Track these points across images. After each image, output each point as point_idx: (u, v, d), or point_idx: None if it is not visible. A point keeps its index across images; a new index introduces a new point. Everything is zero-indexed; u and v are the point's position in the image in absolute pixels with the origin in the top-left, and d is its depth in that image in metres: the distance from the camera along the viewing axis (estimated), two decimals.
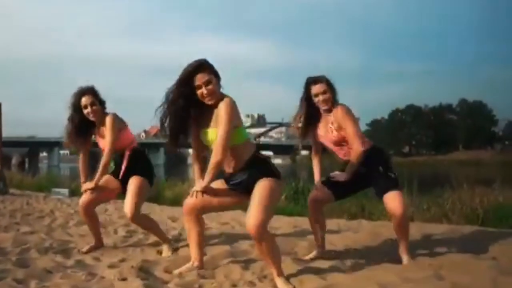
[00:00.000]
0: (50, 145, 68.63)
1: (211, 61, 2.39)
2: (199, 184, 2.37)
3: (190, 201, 2.44)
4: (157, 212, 5.82)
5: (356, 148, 2.76)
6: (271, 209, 2.30)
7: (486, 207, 6.27)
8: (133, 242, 3.57)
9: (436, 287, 2.21)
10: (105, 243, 3.47)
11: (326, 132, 2.89)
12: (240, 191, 2.44)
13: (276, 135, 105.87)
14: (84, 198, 3.20)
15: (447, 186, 7.40)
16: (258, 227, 2.18)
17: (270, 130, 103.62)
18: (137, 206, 3.06)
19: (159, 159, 69.27)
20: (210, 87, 2.32)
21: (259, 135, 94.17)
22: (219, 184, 2.49)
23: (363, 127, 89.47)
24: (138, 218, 3.12)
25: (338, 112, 2.82)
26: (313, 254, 3.01)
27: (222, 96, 2.35)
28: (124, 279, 2.39)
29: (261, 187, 2.31)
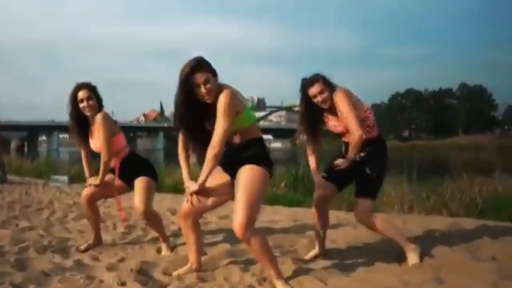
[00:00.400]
0: (49, 129, 68.49)
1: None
2: (192, 186, 2.34)
3: (185, 206, 2.40)
4: (156, 202, 5.77)
5: (353, 135, 2.68)
6: (257, 204, 2.28)
7: (485, 196, 6.28)
8: (132, 239, 3.56)
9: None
10: (104, 239, 3.45)
11: (338, 121, 2.83)
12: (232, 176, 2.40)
13: (276, 119, 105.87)
14: (87, 191, 3.19)
15: (447, 174, 7.39)
16: (242, 228, 2.18)
17: (270, 114, 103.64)
18: (147, 201, 3.09)
19: (158, 143, 69.26)
20: (208, 86, 2.28)
21: (259, 119, 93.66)
22: (214, 177, 2.41)
23: None
24: (150, 213, 3.12)
25: (335, 99, 2.75)
26: (313, 252, 2.98)
27: (220, 90, 2.30)
28: (123, 284, 2.37)
29: (245, 180, 2.28)
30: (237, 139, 2.39)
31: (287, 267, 2.60)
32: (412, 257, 2.71)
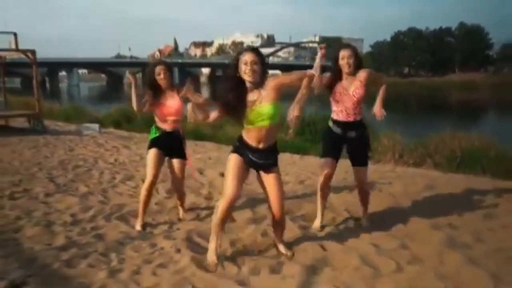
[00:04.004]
0: (69, 65, 68.13)
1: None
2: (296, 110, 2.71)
3: (233, 194, 2.78)
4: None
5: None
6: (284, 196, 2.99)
7: (463, 149, 6.99)
8: (172, 206, 4.28)
9: (401, 258, 2.95)
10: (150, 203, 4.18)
11: (349, 91, 3.38)
12: (251, 168, 2.90)
13: (284, 55, 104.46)
14: (151, 178, 3.63)
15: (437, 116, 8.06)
16: (282, 215, 2.94)
17: (279, 50, 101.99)
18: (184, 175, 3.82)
19: (174, 79, 69.34)
20: (255, 67, 2.69)
21: (268, 55, 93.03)
22: (239, 165, 2.85)
23: (366, 48, 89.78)
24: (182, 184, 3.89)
25: (364, 72, 3.37)
26: (318, 222, 3.59)
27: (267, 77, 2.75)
28: (178, 250, 3.15)
29: (277, 183, 2.92)
30: (256, 143, 2.79)
31: (295, 234, 3.38)
32: (364, 221, 3.64)
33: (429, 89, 38.67)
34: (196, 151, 7.76)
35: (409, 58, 76.39)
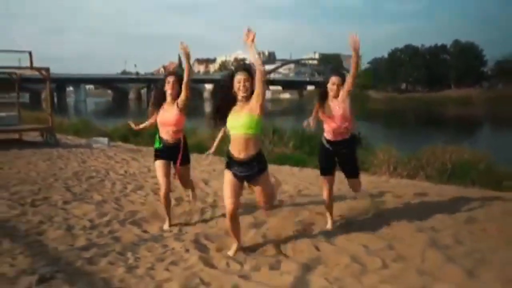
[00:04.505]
0: (76, 81, 69.39)
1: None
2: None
3: (232, 208, 3.21)
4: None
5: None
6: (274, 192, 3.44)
7: (454, 162, 7.33)
8: (181, 212, 4.64)
9: (387, 256, 3.28)
10: (160, 209, 4.52)
11: (336, 108, 3.77)
12: (242, 180, 3.27)
13: (284, 71, 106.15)
14: (164, 188, 4.03)
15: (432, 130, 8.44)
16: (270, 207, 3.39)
17: (280, 66, 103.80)
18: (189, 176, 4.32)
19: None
20: (246, 84, 3.11)
21: (269, 72, 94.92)
22: (233, 182, 3.22)
23: (364, 64, 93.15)
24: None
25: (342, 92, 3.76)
26: (330, 224, 4.04)
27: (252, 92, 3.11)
28: (187, 250, 3.49)
29: (265, 185, 3.29)
30: (237, 153, 3.14)
31: (291, 237, 3.72)
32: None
33: (426, 104, 39.46)
34: (201, 164, 8.11)
35: (406, 74, 79.28)
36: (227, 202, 3.24)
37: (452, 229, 3.86)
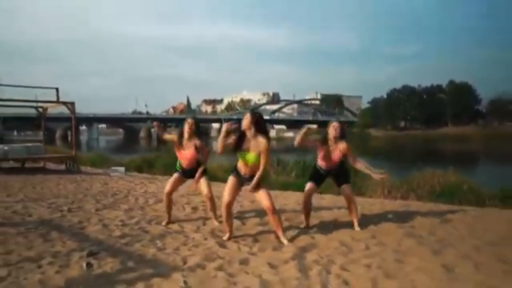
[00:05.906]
0: (90, 120, 71.71)
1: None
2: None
3: (227, 200, 4.03)
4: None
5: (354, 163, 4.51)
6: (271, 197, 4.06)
7: (442, 184, 8.00)
8: (198, 217, 5.34)
9: (370, 242, 3.94)
10: (179, 215, 5.24)
11: (332, 154, 4.50)
12: (242, 185, 4.08)
13: (288, 111, 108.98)
14: (169, 188, 4.87)
15: (425, 163, 9.13)
16: (272, 210, 3.97)
17: (284, 106, 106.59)
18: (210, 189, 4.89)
19: None
20: (251, 131, 3.94)
21: (274, 111, 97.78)
22: (234, 184, 4.08)
23: (365, 104, 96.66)
24: (212, 196, 4.92)
25: (344, 146, 4.48)
26: (303, 225, 4.68)
27: (257, 134, 3.95)
28: (206, 239, 4.17)
29: (263, 196, 3.98)
30: (244, 171, 3.99)
31: (294, 231, 4.39)
32: (356, 225, 4.52)
33: (424, 141, 40.42)
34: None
35: (404, 112, 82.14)
36: (225, 195, 4.06)
37: (428, 226, 4.52)
